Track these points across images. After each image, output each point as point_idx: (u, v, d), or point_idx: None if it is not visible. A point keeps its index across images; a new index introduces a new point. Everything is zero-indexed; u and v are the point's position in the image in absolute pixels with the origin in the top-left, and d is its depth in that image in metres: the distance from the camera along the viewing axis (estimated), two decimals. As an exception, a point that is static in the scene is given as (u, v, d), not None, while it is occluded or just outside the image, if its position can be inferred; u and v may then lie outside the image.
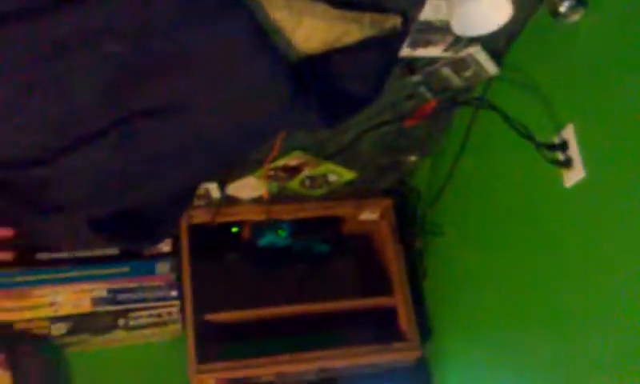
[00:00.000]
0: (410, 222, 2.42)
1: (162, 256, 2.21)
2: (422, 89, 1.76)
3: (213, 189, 2.12)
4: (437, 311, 2.31)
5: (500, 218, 1.81)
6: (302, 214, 2.38)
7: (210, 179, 2.08)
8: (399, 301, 2.31)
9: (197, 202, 2.20)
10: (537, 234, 1.62)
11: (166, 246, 2.22)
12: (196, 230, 2.23)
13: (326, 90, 1.46)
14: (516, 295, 1.74)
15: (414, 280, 2.37)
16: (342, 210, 2.45)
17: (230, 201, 2.24)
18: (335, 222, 2.54)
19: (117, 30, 1.17)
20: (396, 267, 2.34)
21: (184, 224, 2.21)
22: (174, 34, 1.20)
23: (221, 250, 2.37)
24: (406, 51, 1.56)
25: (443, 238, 2.18)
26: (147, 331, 2.16)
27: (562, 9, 1.36)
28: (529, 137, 1.53)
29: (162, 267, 2.18)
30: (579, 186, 1.42)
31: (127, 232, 1.61)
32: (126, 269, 2.16)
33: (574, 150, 1.42)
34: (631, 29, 1.26)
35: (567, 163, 1.45)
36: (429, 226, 2.26)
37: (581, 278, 1.45)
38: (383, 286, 2.36)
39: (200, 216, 2.23)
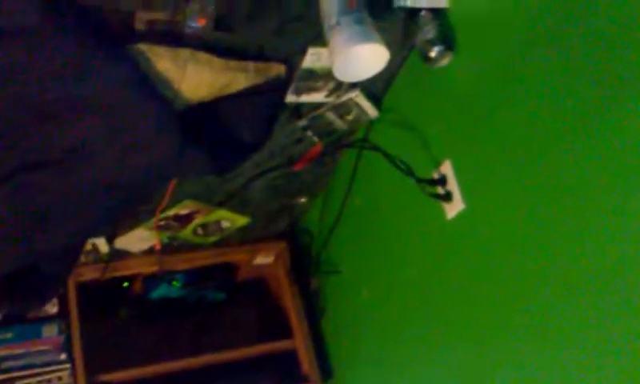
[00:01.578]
0: (304, 263, 2.45)
1: (49, 318, 2.08)
2: (309, 133, 1.81)
3: (101, 243, 2.05)
4: (337, 349, 2.34)
5: (391, 251, 1.88)
6: (195, 263, 2.34)
7: (97, 233, 2.01)
8: (299, 343, 2.32)
9: (84, 259, 2.11)
10: (426, 265, 1.70)
11: (52, 307, 2.09)
12: (84, 288, 2.13)
13: (215, 137, 1.48)
14: (411, 324, 1.81)
15: (313, 320, 2.39)
16: (236, 256, 2.45)
17: (120, 255, 2.17)
18: (230, 268, 2.52)
19: (15, 73, 1.14)
20: (294, 309, 2.36)
21: (71, 282, 2.11)
22: (60, 84, 1.19)
23: (112, 306, 2.28)
24: (291, 98, 1.61)
25: (338, 276, 2.23)
26: (36, 400, 2.02)
27: (433, 54, 1.46)
28: (410, 174, 1.62)
29: (49, 330, 2.06)
30: (460, 217, 1.52)
31: (11, 294, 1.53)
32: (9, 334, 2.01)
33: (452, 184, 1.52)
34: (495, 70, 1.38)
35: (447, 197, 1.54)
36: (323, 266, 2.31)
37: (471, 301, 1.53)
38: (282, 330, 2.36)
39: (88, 273, 2.14)
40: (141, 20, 1.25)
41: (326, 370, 2.32)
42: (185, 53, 1.32)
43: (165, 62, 1.30)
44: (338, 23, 1.25)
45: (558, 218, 1.22)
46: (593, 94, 1.12)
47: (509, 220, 1.37)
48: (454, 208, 1.52)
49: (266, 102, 1.53)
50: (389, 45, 1.27)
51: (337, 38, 1.25)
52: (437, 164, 1.57)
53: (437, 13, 1.48)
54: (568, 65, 1.17)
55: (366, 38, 1.25)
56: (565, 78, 1.18)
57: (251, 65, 1.44)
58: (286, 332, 2.35)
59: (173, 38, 1.30)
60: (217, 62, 1.37)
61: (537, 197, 1.27)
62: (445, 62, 1.48)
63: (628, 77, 1.04)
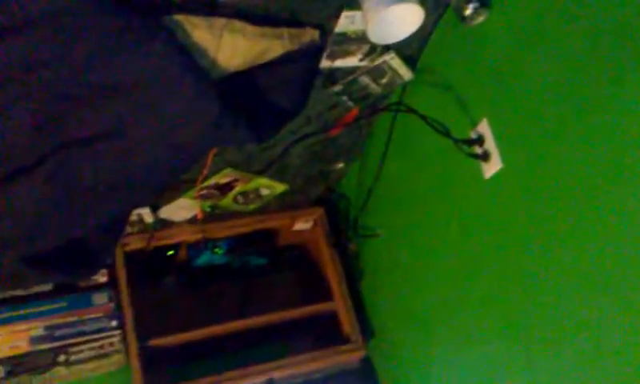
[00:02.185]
0: (342, 228, 2.49)
1: (99, 287, 2.17)
2: (344, 98, 1.82)
3: (145, 214, 2.11)
4: (376, 310, 2.37)
5: (427, 213, 1.90)
6: (237, 231, 2.39)
7: (142, 204, 2.07)
8: (339, 305, 2.36)
9: (130, 229, 2.18)
10: (464, 225, 1.71)
11: (102, 277, 2.18)
12: (132, 257, 2.21)
13: (252, 106, 1.50)
14: (449, 284, 1.82)
15: (352, 283, 2.43)
16: (275, 222, 2.49)
17: (164, 224, 2.23)
18: (270, 235, 2.57)
19: (47, 61, 1.17)
20: (333, 272, 2.40)
21: (119, 252, 2.18)
22: (102, 63, 1.22)
23: (158, 274, 2.36)
24: (325, 63, 1.62)
25: (376, 240, 2.25)
26: (90, 365, 2.11)
27: (467, 11, 1.46)
28: (447, 134, 1.62)
29: (100, 298, 2.14)
30: (498, 176, 1.52)
31: (63, 265, 1.59)
32: (62, 303, 2.10)
33: (490, 143, 1.52)
34: (529, 28, 1.37)
35: (485, 156, 1.54)
36: (361, 230, 2.33)
37: (508, 263, 1.54)
38: (322, 293, 2.41)
39: (135, 243, 2.21)
40: (176, -6, 1.27)
41: (367, 330, 2.36)
42: (220, 21, 1.34)
43: (201, 31, 1.32)
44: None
45: (595, 178, 1.21)
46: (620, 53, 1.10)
47: (547, 178, 1.36)
48: (492, 167, 1.52)
49: (302, 68, 1.54)
50: (422, 4, 1.27)
51: (370, 0, 1.25)
52: (474, 123, 1.57)
53: (470, -31, 1.46)
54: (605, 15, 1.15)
55: (399, 7, 1.24)
56: (604, 30, 1.16)
57: (285, 31, 1.45)
58: (327, 295, 2.39)
59: (208, 7, 1.32)
60: (251, 29, 1.38)
61: (578, 157, 1.27)
62: (480, 19, 1.47)
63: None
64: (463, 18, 1.48)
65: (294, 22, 1.46)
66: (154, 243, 2.24)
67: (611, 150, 1.17)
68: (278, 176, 2.19)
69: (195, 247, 2.38)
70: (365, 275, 2.41)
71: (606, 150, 1.18)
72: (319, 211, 2.49)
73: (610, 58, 1.14)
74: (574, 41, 1.23)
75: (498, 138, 1.50)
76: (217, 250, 2.40)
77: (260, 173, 2.12)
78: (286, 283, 2.50)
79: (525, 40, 1.39)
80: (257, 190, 2.24)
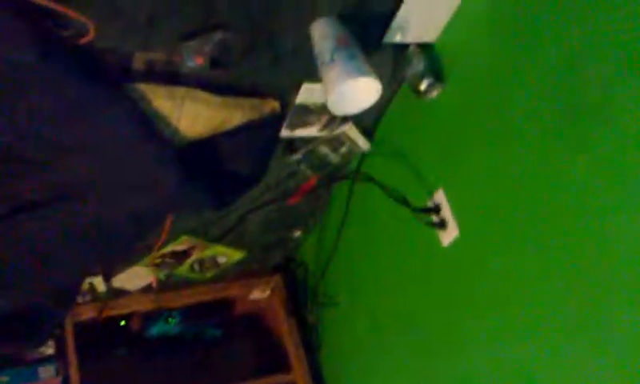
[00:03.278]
0: (301, 296, 2.46)
1: (45, 359, 2.07)
2: (303, 166, 1.84)
3: (98, 282, 2.05)
4: (336, 381, 2.33)
5: (387, 281, 1.90)
6: (192, 300, 2.34)
7: (95, 272, 2.01)
8: (297, 376, 2.31)
9: (81, 298, 2.11)
10: (423, 293, 1.72)
11: (49, 349, 2.08)
12: (82, 328, 2.13)
13: (212, 173, 1.50)
14: (410, 353, 1.82)
15: (311, 353, 2.39)
16: (232, 291, 2.45)
17: (117, 293, 2.17)
18: (226, 304, 2.53)
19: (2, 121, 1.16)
20: (291, 342, 2.36)
21: (69, 322, 2.10)
22: (60, 127, 1.21)
23: (110, 345, 2.27)
24: (285, 132, 1.64)
25: (336, 308, 2.24)
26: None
27: (422, 86, 1.51)
28: (405, 203, 1.65)
29: (46, 372, 2.04)
30: (455, 244, 1.54)
31: (7, 335, 1.53)
32: (5, 378, 1.99)
33: (446, 212, 1.55)
34: (483, 99, 1.43)
35: (441, 224, 1.57)
36: (320, 298, 2.32)
37: (468, 328, 1.55)
38: (280, 364, 2.36)
39: (85, 312, 2.13)
40: (139, 60, 1.28)
41: (325, 403, 2.32)
42: (182, 91, 1.35)
43: (163, 100, 1.33)
44: (331, 59, 1.29)
45: (551, 241, 1.25)
46: (570, 117, 1.16)
47: (501, 247, 1.40)
48: (449, 235, 1.55)
49: (262, 137, 1.56)
50: (380, 79, 1.31)
51: (331, 73, 1.29)
52: (430, 192, 1.60)
53: (425, 47, 1.53)
54: (547, 90, 1.22)
55: (359, 73, 1.28)
56: (546, 104, 1.22)
57: (246, 101, 1.47)
58: (285, 366, 2.34)
59: (170, 76, 1.33)
60: (213, 99, 1.40)
61: (529, 221, 1.30)
62: (434, 93, 1.52)
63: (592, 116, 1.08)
64: (418, 92, 1.53)
65: (256, 93, 1.49)
66: (106, 313, 2.17)
67: (558, 217, 1.21)
68: (236, 243, 2.18)
69: (149, 317, 2.31)
70: (324, 345, 2.38)
71: (555, 219, 1.22)
72: (277, 279, 2.47)
73: (557, 135, 1.20)
74: (521, 116, 1.29)
75: (454, 206, 1.54)
76: (171, 319, 2.34)
77: (217, 240, 2.10)
78: (242, 354, 2.44)
79: (477, 112, 1.45)
80: (214, 258, 2.21)
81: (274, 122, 1.57)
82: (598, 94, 1.11)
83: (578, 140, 1.16)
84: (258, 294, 2.49)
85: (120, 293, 2.18)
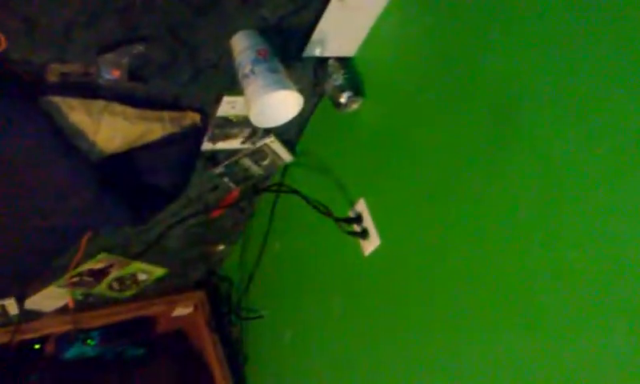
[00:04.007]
0: (225, 311, 2.44)
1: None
2: (225, 179, 1.84)
3: (9, 304, 1.95)
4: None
5: (311, 292, 1.91)
6: (112, 319, 2.27)
7: (6, 294, 1.91)
8: (222, 392, 2.29)
9: (-9, 322, 2.00)
10: (347, 303, 1.74)
11: (-45, 378, 1.96)
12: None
13: (131, 188, 1.47)
14: (333, 364, 1.83)
15: (236, 369, 2.36)
16: (154, 309, 2.39)
17: (30, 315, 2.07)
18: (148, 322, 2.46)
19: None
20: (215, 359, 2.33)
21: (-23, 348, 1.99)
22: None
23: (23, 371, 2.16)
24: (207, 145, 1.63)
25: (260, 322, 2.22)
26: None
27: (342, 100, 1.54)
28: (327, 213, 1.68)
29: (-47, 402, 1.92)
30: (376, 253, 1.57)
31: None
32: None
33: (367, 222, 1.58)
34: (399, 111, 1.47)
35: (363, 234, 1.60)
36: (244, 312, 2.30)
37: (391, 338, 1.57)
38: (205, 381, 2.32)
39: (-4, 336, 2.03)
40: (54, 72, 1.24)
41: (251, 418, 2.30)
42: (99, 104, 1.32)
43: (79, 113, 1.29)
44: (252, 72, 1.30)
45: (465, 250, 1.30)
46: (488, 134, 1.22)
47: (421, 253, 1.44)
48: (371, 245, 1.58)
49: (183, 150, 1.54)
50: (301, 92, 1.33)
51: (252, 86, 1.29)
52: (352, 203, 1.63)
53: (344, 61, 1.56)
54: (463, 104, 1.28)
55: (280, 86, 1.30)
56: (460, 116, 1.28)
57: (166, 114, 1.45)
58: (209, 383, 2.31)
59: (87, 89, 1.29)
60: (131, 112, 1.37)
61: (445, 230, 1.35)
62: (354, 106, 1.56)
63: (521, 117, 1.15)
64: (338, 105, 1.56)
65: (176, 106, 1.47)
66: (19, 337, 2.06)
67: (476, 228, 1.27)
68: (157, 259, 2.13)
69: (64, 339, 2.22)
70: (249, 360, 2.36)
71: (474, 226, 1.28)
72: (200, 295, 2.44)
73: (483, 139, 1.25)
74: (440, 124, 1.35)
75: (375, 216, 1.57)
76: (89, 341, 2.26)
77: (137, 257, 2.05)
78: (166, 373, 2.38)
79: (394, 124, 1.49)
80: (134, 275, 2.16)
81: (195, 134, 1.55)
82: (514, 112, 1.17)
83: (493, 158, 1.22)
84: (181, 311, 2.45)
85: (34, 315, 2.08)
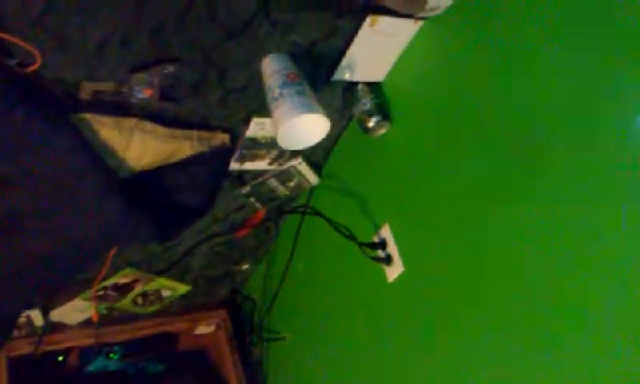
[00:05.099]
0: (247, 331, 2.43)
1: (-23, 397, 1.98)
2: (252, 200, 1.84)
3: (35, 316, 1.97)
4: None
5: (334, 316, 1.90)
6: (134, 335, 2.28)
7: (31, 306, 1.94)
8: (241, 413, 2.28)
9: (17, 332, 2.02)
10: (370, 329, 1.72)
11: (-19, 386, 1.99)
12: (17, 363, 2.04)
13: (158, 205, 1.48)
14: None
15: (256, 389, 2.36)
16: (176, 326, 2.40)
17: (55, 327, 2.09)
18: (170, 338, 2.47)
19: None
20: (235, 379, 2.32)
21: (2, 357, 2.01)
22: (4, 155, 1.17)
23: (45, 381, 2.18)
24: (234, 165, 1.64)
25: (282, 343, 2.22)
26: None
27: (370, 124, 1.54)
28: (352, 237, 1.67)
29: (-23, 410, 1.95)
30: (400, 279, 1.56)
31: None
32: None
33: (392, 247, 1.57)
34: (426, 140, 1.47)
35: (387, 260, 1.59)
36: (266, 333, 2.29)
37: (414, 364, 1.55)
38: (224, 400, 2.32)
39: (21, 347, 2.04)
40: (86, 90, 1.27)
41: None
42: (130, 122, 1.34)
43: (109, 130, 1.31)
44: (280, 94, 1.31)
45: (491, 279, 1.28)
46: (514, 162, 1.21)
47: (445, 281, 1.42)
48: (395, 271, 1.57)
49: (210, 169, 1.56)
50: (329, 115, 1.34)
51: (280, 109, 1.30)
52: (377, 228, 1.62)
53: (373, 85, 1.57)
54: (490, 133, 1.27)
55: (308, 109, 1.30)
56: (487, 145, 1.27)
57: (195, 133, 1.47)
58: (229, 403, 2.31)
59: (118, 107, 1.32)
60: (162, 130, 1.39)
61: (470, 258, 1.34)
62: (382, 131, 1.56)
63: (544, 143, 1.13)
64: (366, 130, 1.56)
65: (205, 126, 1.49)
66: (43, 348, 2.09)
67: (502, 256, 1.25)
68: (181, 276, 2.14)
69: (88, 352, 2.24)
70: (268, 381, 2.35)
71: (498, 257, 1.26)
72: (222, 314, 2.44)
73: (511, 168, 1.24)
74: (464, 156, 1.34)
75: (399, 242, 1.56)
76: (112, 355, 2.27)
77: (162, 273, 2.06)
78: (186, 391, 2.39)
79: (421, 151, 1.49)
80: (158, 291, 2.17)
81: (223, 154, 1.57)
82: (540, 142, 1.16)
83: (519, 186, 1.21)
84: (203, 329, 2.45)
85: (58, 327, 2.10)
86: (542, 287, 1.15)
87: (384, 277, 1.60)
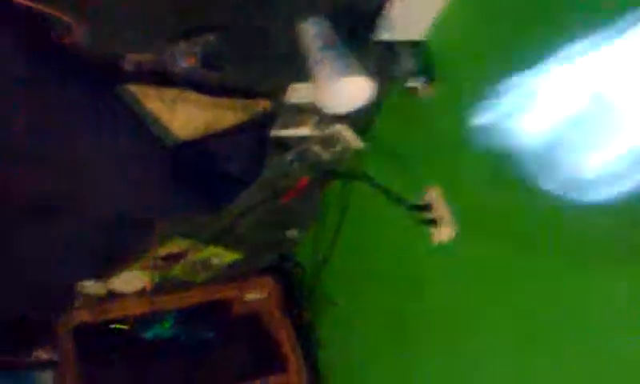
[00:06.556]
0: (297, 296, 2.46)
1: (41, 364, 2.06)
2: (295, 166, 1.84)
3: (93, 286, 2.05)
4: (334, 381, 2.33)
5: (383, 280, 1.90)
6: (187, 302, 2.34)
7: (90, 276, 2.00)
8: (294, 377, 2.31)
9: (76, 302, 2.10)
10: (419, 292, 1.71)
11: (44, 353, 2.08)
12: (76, 331, 2.12)
13: (205, 175, 1.50)
14: (405, 355, 1.82)
15: (308, 354, 2.38)
16: (227, 292, 2.44)
17: (112, 296, 2.16)
18: (221, 306, 2.52)
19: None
20: (288, 343, 2.35)
21: (64, 327, 2.09)
22: (50, 131, 1.20)
23: (105, 348, 2.26)
24: (277, 132, 1.64)
25: (333, 308, 2.23)
26: None
27: (414, 84, 1.51)
28: (399, 200, 1.65)
29: (43, 378, 2.03)
30: (450, 242, 1.53)
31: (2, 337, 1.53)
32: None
33: (441, 209, 1.54)
34: (470, 100, 1.43)
35: (436, 222, 1.56)
36: (317, 298, 2.31)
37: (465, 327, 1.55)
38: (277, 364, 2.36)
39: (80, 316, 2.13)
40: (129, 61, 1.28)
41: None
42: (173, 92, 1.35)
43: (154, 101, 1.33)
44: (321, 59, 1.29)
45: (543, 241, 1.25)
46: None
47: (498, 242, 1.40)
48: (444, 233, 1.54)
49: (254, 137, 1.56)
50: (371, 77, 1.31)
51: (321, 73, 1.28)
52: (425, 190, 1.60)
53: (416, 45, 1.53)
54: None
55: (350, 72, 1.28)
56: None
57: (238, 101, 1.47)
58: (281, 367, 2.34)
59: (162, 77, 1.33)
60: (204, 99, 1.40)
61: (520, 222, 1.30)
62: (426, 92, 1.52)
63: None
64: (410, 90, 1.53)
65: (248, 93, 1.48)
66: (101, 316, 2.16)
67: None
68: (230, 244, 2.17)
69: (143, 320, 2.31)
70: (321, 346, 2.38)
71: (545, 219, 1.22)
72: (272, 280, 2.47)
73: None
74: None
75: (449, 203, 1.54)
76: (165, 322, 2.34)
77: (211, 242, 2.09)
78: (239, 355, 2.43)
79: (467, 110, 1.45)
80: (207, 260, 2.21)
81: (266, 121, 1.56)
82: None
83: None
84: (254, 295, 2.49)
85: (115, 296, 2.17)
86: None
87: (431, 239, 1.58)
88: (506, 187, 1.35)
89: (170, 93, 1.36)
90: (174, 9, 1.21)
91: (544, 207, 1.24)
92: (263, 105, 1.51)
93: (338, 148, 1.82)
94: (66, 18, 1.11)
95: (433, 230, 1.57)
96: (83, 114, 1.23)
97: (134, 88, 1.30)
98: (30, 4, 1.04)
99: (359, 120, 1.77)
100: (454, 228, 1.51)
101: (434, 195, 1.56)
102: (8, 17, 1.02)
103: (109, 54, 1.25)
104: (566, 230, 1.19)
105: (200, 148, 1.46)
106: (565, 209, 1.18)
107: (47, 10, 1.07)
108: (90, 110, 1.23)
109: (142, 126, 1.32)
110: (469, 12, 1.41)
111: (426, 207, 1.58)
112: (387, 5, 1.39)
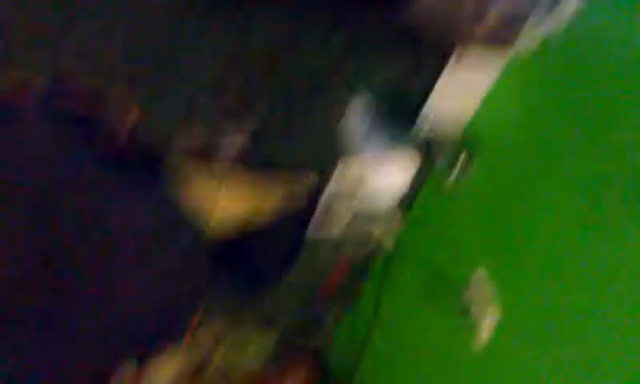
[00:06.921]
0: (334, 382, 2.39)
1: None
2: (338, 250, 1.83)
3: (130, 367, 2.02)
4: None
5: (423, 371, 1.83)
6: (222, 388, 2.28)
7: (125, 361, 1.98)
8: None
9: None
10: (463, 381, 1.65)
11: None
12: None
13: (244, 265, 1.50)
14: None
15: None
16: (263, 379, 2.38)
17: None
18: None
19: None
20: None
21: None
22: (96, 212, 1.22)
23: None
24: (314, 231, 1.64)
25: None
26: None
27: (453, 169, 1.52)
28: (441, 281, 1.61)
29: None
30: (495, 326, 1.49)
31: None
32: None
33: (485, 291, 1.51)
34: (509, 186, 1.43)
35: (480, 304, 1.52)
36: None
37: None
38: None
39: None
40: (179, 142, 1.32)
41: None
42: (220, 169, 1.38)
43: (202, 179, 1.35)
44: (364, 143, 1.31)
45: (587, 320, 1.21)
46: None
47: (542, 328, 1.36)
48: (489, 317, 1.50)
49: (291, 232, 1.56)
50: (411, 162, 1.32)
51: (364, 157, 1.30)
52: (469, 272, 1.57)
53: (455, 132, 1.55)
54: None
55: (391, 158, 1.29)
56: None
57: (285, 176, 1.49)
58: None
59: (208, 157, 1.36)
60: (251, 175, 1.42)
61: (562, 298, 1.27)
62: (466, 174, 1.53)
63: None
64: (449, 176, 1.54)
65: (293, 170, 1.50)
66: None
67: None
68: (267, 328, 2.14)
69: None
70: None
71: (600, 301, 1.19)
72: (309, 365, 2.41)
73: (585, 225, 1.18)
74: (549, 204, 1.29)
75: (494, 285, 1.50)
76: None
77: (248, 325, 2.07)
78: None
79: (506, 196, 1.45)
80: (244, 343, 2.18)
81: (303, 216, 1.57)
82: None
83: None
84: (290, 382, 2.43)
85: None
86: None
87: (476, 326, 1.54)
88: (546, 268, 1.32)
89: (219, 169, 1.38)
90: (225, 88, 1.25)
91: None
92: (309, 179, 1.52)
93: (378, 232, 1.81)
94: (125, 102, 1.15)
95: (477, 316, 1.53)
96: (129, 190, 1.25)
97: (179, 167, 1.32)
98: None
99: (401, 203, 1.77)
100: (496, 311, 1.47)
101: (480, 275, 1.53)
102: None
103: (161, 134, 1.29)
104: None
105: (239, 240, 1.46)
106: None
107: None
108: (137, 188, 1.25)
109: (186, 208, 1.33)
110: (503, 105, 1.43)
111: (472, 287, 1.54)
112: (430, 95, 1.41)
